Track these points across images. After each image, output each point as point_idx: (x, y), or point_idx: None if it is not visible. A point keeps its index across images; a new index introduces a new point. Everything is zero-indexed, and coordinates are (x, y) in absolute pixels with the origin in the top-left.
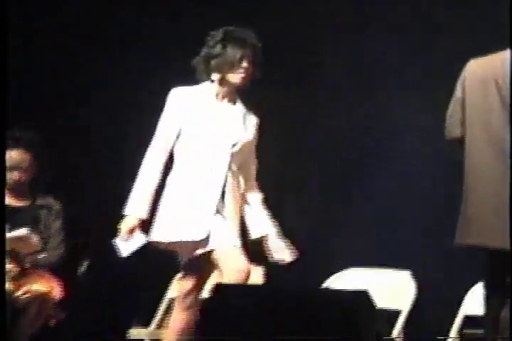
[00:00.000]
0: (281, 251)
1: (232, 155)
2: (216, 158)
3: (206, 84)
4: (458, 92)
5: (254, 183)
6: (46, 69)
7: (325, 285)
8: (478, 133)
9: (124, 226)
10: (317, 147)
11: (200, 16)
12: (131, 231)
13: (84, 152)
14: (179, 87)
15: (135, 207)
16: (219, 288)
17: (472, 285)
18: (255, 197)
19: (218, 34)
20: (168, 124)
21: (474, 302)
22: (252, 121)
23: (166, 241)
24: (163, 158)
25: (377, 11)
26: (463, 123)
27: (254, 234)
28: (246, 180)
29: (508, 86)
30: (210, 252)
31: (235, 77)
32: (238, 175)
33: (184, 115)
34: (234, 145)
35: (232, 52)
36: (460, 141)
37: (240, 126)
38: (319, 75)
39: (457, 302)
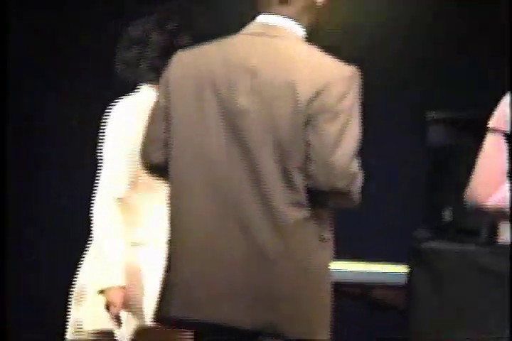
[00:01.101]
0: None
1: None
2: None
3: (146, 90)
4: (161, 99)
5: None
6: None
7: None
8: (188, 161)
9: (116, 300)
10: None
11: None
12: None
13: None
14: (121, 102)
15: (115, 274)
16: None
17: None
18: None
19: (177, 14)
20: (128, 159)
21: None
22: None
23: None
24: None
25: None
26: (166, 144)
27: None
28: None
29: (235, 91)
30: None
31: None
32: None
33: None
34: None
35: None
36: (160, 168)
37: None
38: None
39: None
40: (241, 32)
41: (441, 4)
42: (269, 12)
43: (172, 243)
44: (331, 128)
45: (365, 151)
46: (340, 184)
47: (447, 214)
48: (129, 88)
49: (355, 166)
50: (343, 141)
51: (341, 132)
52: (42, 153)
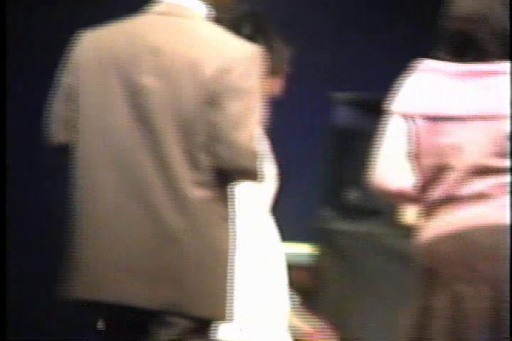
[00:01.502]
0: None
1: None
2: None
3: None
4: (66, 79)
5: None
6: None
7: None
8: (93, 140)
9: None
10: None
11: None
12: None
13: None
14: None
15: None
16: None
17: None
18: None
19: (250, 18)
20: None
21: None
22: None
23: None
24: None
25: None
26: (70, 124)
27: None
28: None
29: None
30: None
31: None
32: None
33: None
34: None
35: None
36: (64, 147)
37: None
38: None
39: None
40: (146, 11)
41: None
42: None
43: (76, 222)
44: (235, 107)
45: (268, 130)
46: (246, 163)
47: (352, 195)
48: None
49: (257, 145)
50: (246, 119)
51: (245, 111)
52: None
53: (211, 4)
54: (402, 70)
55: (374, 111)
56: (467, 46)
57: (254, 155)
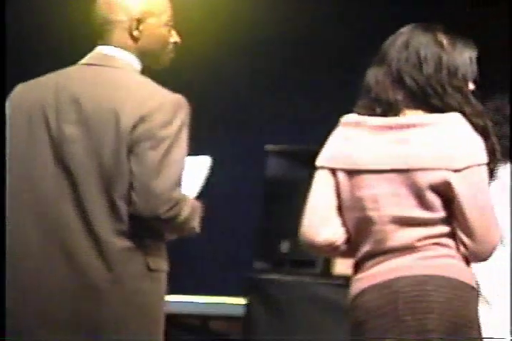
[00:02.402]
0: None
1: None
2: None
3: None
4: None
5: None
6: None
7: None
8: (18, 191)
9: None
10: None
11: None
12: None
13: None
14: None
15: None
16: None
17: None
18: None
19: None
20: None
21: None
22: None
23: None
24: None
25: None
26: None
27: None
28: None
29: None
30: None
31: None
32: None
33: None
34: None
35: None
36: None
37: None
38: None
39: None
40: (78, 62)
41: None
42: (107, 43)
43: (6, 272)
44: (153, 155)
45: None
46: (161, 210)
47: (284, 246)
48: None
49: (178, 193)
50: (165, 167)
51: (163, 159)
52: None
53: (142, 55)
54: (335, 124)
55: (307, 163)
56: (377, 100)
57: (171, 202)
